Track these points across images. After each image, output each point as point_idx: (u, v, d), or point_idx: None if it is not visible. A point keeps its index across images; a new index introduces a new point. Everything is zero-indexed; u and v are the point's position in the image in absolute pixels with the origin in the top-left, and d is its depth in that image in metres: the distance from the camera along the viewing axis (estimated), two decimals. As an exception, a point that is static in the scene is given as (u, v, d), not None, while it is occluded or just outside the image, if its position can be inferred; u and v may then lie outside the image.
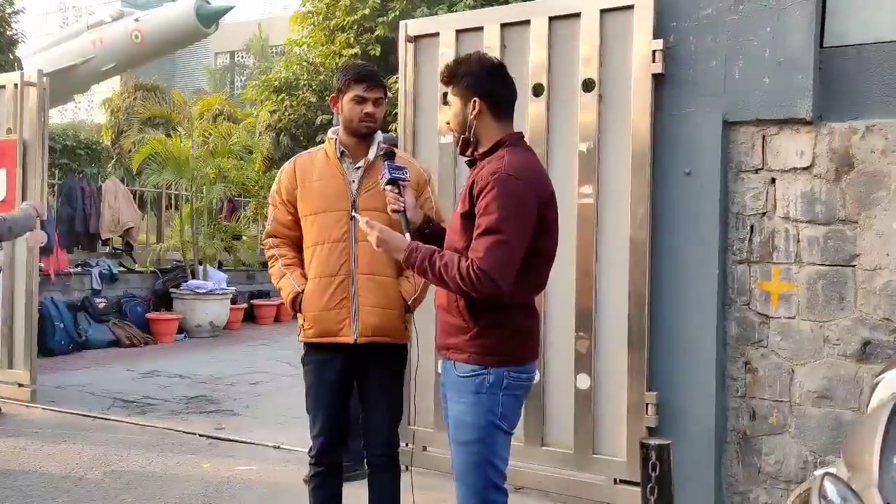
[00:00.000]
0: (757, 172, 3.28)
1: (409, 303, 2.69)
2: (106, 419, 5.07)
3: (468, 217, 2.15)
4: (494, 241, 2.05)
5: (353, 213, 2.57)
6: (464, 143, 2.28)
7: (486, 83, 2.21)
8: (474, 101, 2.20)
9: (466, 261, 2.07)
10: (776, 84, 3.19)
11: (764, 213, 3.27)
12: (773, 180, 3.25)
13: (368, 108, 2.64)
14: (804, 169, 3.20)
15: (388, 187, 2.38)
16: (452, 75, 2.25)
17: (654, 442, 2.38)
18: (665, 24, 3.34)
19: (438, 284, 2.19)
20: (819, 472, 1.99)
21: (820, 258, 3.16)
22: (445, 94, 2.35)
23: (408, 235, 2.29)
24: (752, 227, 3.29)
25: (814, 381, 3.16)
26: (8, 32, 13.01)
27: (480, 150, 2.24)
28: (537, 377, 3.43)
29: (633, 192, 3.36)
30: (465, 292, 2.10)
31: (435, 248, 2.23)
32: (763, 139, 3.26)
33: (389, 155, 2.50)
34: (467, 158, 2.30)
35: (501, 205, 2.05)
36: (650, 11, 3.30)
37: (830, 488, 1.77)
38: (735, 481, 3.32)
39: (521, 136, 2.28)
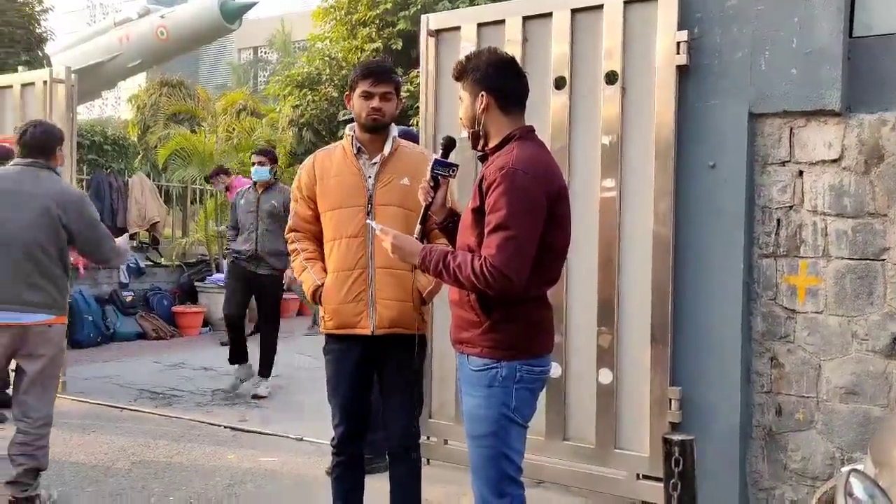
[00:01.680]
0: (784, 165, 3.23)
1: (423, 295, 2.71)
2: (133, 410, 5.15)
3: (479, 212, 2.15)
4: (505, 238, 2.04)
5: (368, 220, 2.57)
6: (474, 138, 2.29)
7: (494, 78, 2.22)
8: (481, 96, 2.21)
9: (479, 259, 2.07)
10: (804, 75, 3.13)
11: (791, 207, 3.22)
12: (801, 173, 3.20)
13: (375, 102, 2.66)
14: (832, 161, 3.14)
15: (428, 177, 2.33)
16: (463, 71, 2.27)
17: (677, 437, 2.36)
18: (690, 14, 3.29)
19: (454, 285, 2.19)
20: (846, 468, 1.96)
21: (848, 252, 3.11)
22: None
23: (418, 228, 2.30)
24: (778, 220, 3.24)
25: (841, 376, 3.11)
26: (37, 30, 13.24)
27: (490, 145, 2.24)
28: (556, 370, 3.43)
29: (657, 185, 3.32)
30: (480, 290, 2.10)
31: (449, 248, 2.24)
32: (790, 131, 3.21)
33: (448, 146, 2.37)
34: (479, 153, 2.31)
35: (510, 200, 2.05)
36: (674, 2, 3.25)
37: (857, 485, 1.74)
38: (760, 478, 3.29)
39: (531, 129, 2.27)
